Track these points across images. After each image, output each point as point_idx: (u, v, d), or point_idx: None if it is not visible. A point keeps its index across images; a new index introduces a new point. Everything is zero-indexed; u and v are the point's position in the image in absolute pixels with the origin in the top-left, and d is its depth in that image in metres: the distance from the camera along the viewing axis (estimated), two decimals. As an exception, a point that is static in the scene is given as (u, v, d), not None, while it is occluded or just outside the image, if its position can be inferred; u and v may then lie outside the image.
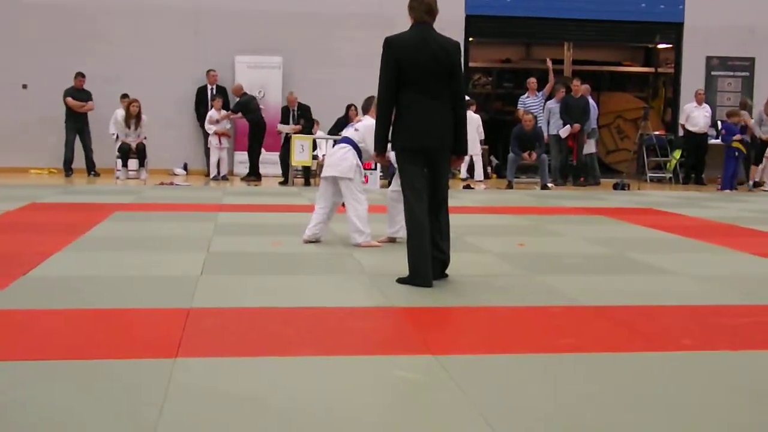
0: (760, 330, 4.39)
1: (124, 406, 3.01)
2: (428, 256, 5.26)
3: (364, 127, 6.99)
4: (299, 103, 14.79)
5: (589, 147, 15.56)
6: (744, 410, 3.13)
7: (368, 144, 6.79)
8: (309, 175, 14.22)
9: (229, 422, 2.89)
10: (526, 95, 15.73)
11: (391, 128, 5.48)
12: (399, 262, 5.58)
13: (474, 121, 14.53)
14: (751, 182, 15.21)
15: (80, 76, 14.77)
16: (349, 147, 6.99)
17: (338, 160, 6.99)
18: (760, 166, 15.16)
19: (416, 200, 5.33)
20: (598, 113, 16.22)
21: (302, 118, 14.66)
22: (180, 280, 5.33)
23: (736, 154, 14.69)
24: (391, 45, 5.39)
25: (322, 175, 7.26)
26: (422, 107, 5.35)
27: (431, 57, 5.32)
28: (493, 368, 3.59)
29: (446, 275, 5.46)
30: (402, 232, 7.15)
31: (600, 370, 3.60)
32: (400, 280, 5.31)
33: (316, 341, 3.97)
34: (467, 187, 14.09)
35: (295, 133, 14.14)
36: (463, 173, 15.03)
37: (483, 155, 16.17)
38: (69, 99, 14.61)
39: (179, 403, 3.05)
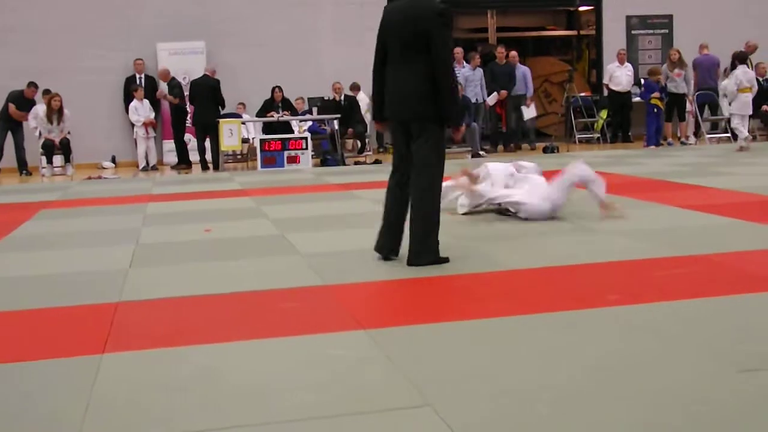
0: (683, 281, 4.48)
1: (48, 407, 2.95)
2: (390, 227, 5.22)
3: None
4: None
5: (530, 112, 15.70)
6: (661, 355, 3.20)
7: None
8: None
9: (158, 414, 2.85)
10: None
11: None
12: (332, 241, 5.56)
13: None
14: (678, 139, 15.51)
15: (33, 86, 14.37)
16: None
17: None
18: (684, 123, 15.50)
19: (391, 174, 5.31)
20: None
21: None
22: (108, 275, 5.24)
23: (656, 110, 14.96)
24: (383, 14, 5.32)
25: None
26: (394, 78, 5.19)
27: (402, 25, 5.12)
28: (424, 338, 3.60)
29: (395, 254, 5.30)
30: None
31: (530, 332, 3.64)
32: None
33: (249, 325, 3.94)
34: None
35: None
36: None
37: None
38: (12, 106, 14.20)
39: (105, 399, 2.99)
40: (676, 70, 15.23)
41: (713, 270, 4.70)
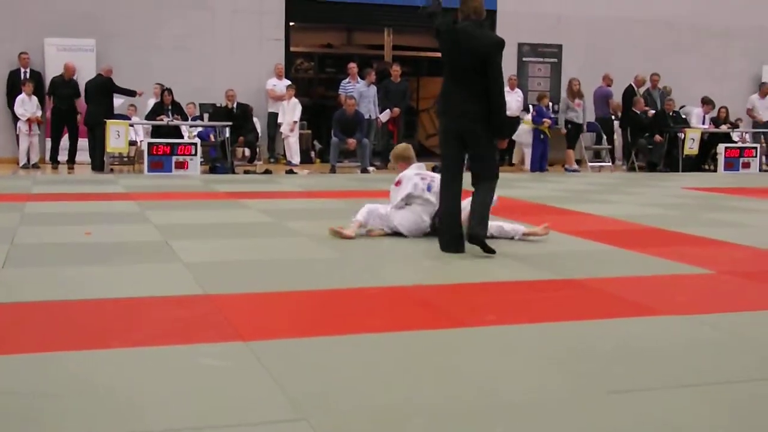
0: (558, 303, 4.64)
1: None
2: (446, 229, 6.10)
3: None
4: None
5: None
6: (534, 376, 3.30)
7: None
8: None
9: (23, 421, 2.76)
10: (347, 80, 15.85)
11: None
12: (216, 250, 5.50)
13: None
14: (562, 166, 16.00)
15: None
16: None
17: None
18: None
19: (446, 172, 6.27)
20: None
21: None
22: (-22, 275, 5.04)
23: (542, 136, 15.41)
24: (451, 33, 6.29)
25: None
26: (453, 93, 6.11)
27: (466, 49, 6.03)
28: (303, 351, 3.60)
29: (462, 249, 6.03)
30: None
31: (407, 349, 3.69)
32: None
33: (123, 333, 3.86)
34: (290, 171, 14.07)
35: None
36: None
37: (307, 140, 16.34)
38: None
39: (-33, 405, 2.88)
40: (577, 100, 15.76)
41: (586, 294, 4.87)
